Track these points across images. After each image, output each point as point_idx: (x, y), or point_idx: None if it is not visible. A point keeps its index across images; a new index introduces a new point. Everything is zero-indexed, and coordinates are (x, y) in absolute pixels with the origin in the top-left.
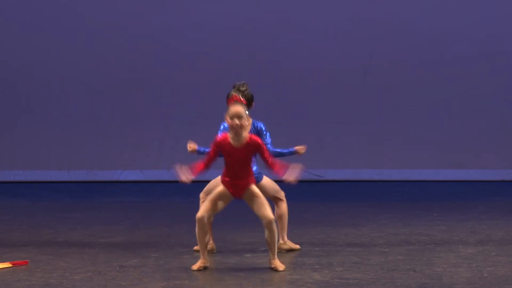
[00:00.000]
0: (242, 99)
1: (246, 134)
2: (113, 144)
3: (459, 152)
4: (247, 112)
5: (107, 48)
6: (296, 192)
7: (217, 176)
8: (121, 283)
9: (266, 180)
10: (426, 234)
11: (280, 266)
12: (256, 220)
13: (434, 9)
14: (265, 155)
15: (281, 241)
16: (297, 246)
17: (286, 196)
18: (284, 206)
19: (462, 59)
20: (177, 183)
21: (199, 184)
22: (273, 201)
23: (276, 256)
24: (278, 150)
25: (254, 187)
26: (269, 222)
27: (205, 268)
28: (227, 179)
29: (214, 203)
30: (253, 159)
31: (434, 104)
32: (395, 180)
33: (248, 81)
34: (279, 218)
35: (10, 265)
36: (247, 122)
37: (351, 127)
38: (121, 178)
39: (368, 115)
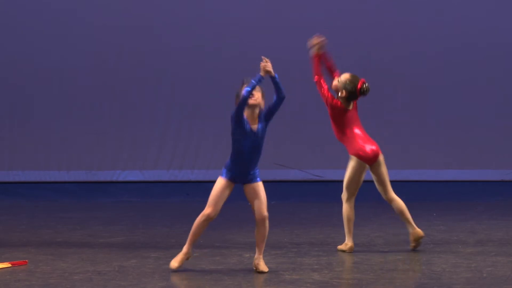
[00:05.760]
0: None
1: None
2: (113, 144)
3: (459, 152)
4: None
5: (106, 48)
6: (296, 192)
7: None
8: (120, 283)
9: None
10: (426, 234)
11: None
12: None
13: (438, 7)
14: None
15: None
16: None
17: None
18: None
19: (463, 59)
20: (176, 183)
21: (199, 184)
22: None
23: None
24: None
25: None
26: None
27: None
28: None
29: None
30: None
31: (433, 104)
32: (395, 180)
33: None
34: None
35: (10, 265)
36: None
37: None
38: (120, 178)
39: (367, 115)
